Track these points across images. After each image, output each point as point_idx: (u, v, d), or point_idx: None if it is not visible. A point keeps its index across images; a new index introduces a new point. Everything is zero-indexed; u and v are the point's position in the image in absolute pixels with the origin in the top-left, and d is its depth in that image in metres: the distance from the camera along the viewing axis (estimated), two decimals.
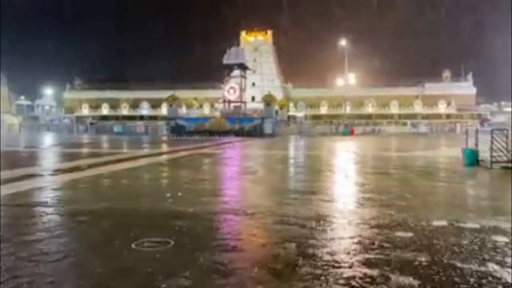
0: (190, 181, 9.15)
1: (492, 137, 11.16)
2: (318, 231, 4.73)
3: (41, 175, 9.59)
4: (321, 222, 5.10)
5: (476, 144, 12.14)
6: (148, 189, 8.04)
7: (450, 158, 14.60)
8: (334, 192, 7.98)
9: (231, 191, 7.84)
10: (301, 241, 4.28)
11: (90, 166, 11.64)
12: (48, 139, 33.44)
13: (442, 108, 63.35)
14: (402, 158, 16.10)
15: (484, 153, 11.72)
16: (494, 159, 11.11)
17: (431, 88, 64.76)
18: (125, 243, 4.14)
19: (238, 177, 10.40)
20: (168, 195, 7.36)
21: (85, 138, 36.18)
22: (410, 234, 4.56)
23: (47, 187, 7.88)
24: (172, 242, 4.18)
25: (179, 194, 7.36)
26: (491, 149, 11.09)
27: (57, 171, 10.51)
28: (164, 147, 23.97)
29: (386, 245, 4.15)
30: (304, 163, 14.38)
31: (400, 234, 4.56)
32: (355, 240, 4.33)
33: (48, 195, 7.05)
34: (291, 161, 15.65)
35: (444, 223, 5.06)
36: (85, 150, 21.50)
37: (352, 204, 6.35)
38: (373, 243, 4.20)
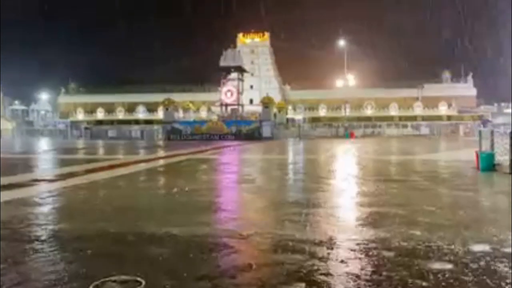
0: (180, 192, 8.14)
1: None
2: (331, 261, 3.75)
3: (19, 186, 8.57)
4: (334, 249, 4.12)
5: (492, 147, 11.25)
6: (130, 202, 7.04)
7: (462, 161, 13.67)
8: (343, 205, 6.99)
9: (226, 205, 6.84)
10: (312, 279, 3.30)
11: (72, 175, 10.66)
12: (39, 145, 32.40)
13: (443, 110, 62.41)
14: (410, 162, 15.16)
15: (499, 157, 10.84)
16: None
17: (431, 90, 63.90)
18: (82, 285, 3.15)
19: (234, 186, 9.41)
20: (151, 210, 6.39)
21: (78, 144, 35.21)
22: (449, 266, 3.58)
23: (17, 202, 6.88)
24: (143, 283, 3.19)
25: (165, 209, 6.38)
26: (511, 153, 10.13)
27: (35, 181, 9.52)
28: (158, 152, 22.94)
29: (422, 284, 3.17)
30: (305, 169, 13.40)
31: (436, 266, 3.58)
32: (382, 276, 3.34)
33: (11, 213, 6.03)
34: (291, 166, 14.67)
35: (486, 247, 4.08)
36: (73, 156, 20.48)
37: (367, 222, 5.36)
38: (405, 282, 3.22)
